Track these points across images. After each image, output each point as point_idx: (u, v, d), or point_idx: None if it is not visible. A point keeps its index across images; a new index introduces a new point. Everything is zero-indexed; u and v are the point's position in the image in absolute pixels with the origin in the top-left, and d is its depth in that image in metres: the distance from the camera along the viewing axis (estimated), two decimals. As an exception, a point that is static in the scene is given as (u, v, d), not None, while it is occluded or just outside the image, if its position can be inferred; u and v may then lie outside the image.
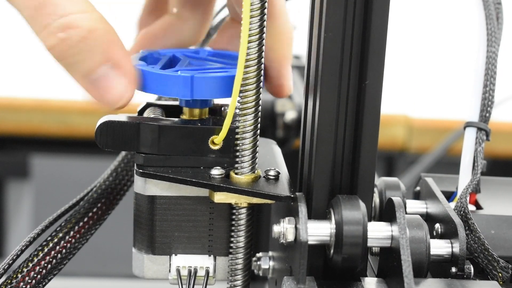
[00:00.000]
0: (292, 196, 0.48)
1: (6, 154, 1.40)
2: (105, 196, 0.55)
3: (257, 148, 0.50)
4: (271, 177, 0.51)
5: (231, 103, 0.48)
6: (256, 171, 0.51)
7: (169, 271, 0.53)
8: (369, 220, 0.47)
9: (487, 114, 0.53)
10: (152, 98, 0.58)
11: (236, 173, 0.50)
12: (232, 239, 0.52)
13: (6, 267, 0.51)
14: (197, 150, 0.51)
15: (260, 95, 0.50)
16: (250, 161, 0.50)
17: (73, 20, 0.46)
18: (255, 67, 0.49)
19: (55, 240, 0.52)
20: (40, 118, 1.32)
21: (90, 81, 0.48)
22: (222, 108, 0.54)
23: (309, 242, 0.46)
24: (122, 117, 0.51)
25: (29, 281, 0.51)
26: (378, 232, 0.46)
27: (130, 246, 0.54)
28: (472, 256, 0.48)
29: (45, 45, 0.47)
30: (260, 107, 0.50)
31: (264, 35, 0.48)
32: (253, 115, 0.50)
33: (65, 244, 0.52)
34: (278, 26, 0.54)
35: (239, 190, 0.49)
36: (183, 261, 0.52)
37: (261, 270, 0.55)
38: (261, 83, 0.49)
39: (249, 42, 0.48)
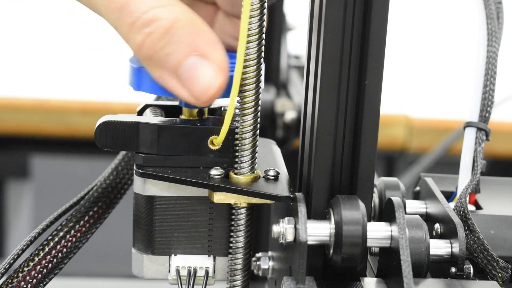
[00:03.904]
0: (291, 196, 0.48)
1: (6, 154, 1.40)
2: (105, 195, 0.55)
3: (257, 148, 0.50)
4: (271, 177, 0.50)
5: (230, 103, 0.48)
6: (255, 171, 0.50)
7: (169, 271, 0.52)
8: (369, 220, 0.47)
9: (487, 114, 0.53)
10: (151, 98, 0.58)
11: (235, 173, 0.50)
12: (231, 239, 0.52)
13: (7, 266, 0.51)
14: (197, 150, 0.50)
15: (260, 95, 0.50)
16: (250, 161, 0.50)
17: (156, 14, 0.47)
18: (255, 67, 0.48)
19: (56, 239, 0.52)
20: (40, 118, 1.32)
21: (178, 75, 0.48)
22: (222, 108, 0.54)
23: (309, 242, 0.46)
24: (121, 117, 0.51)
25: (30, 280, 0.51)
26: (378, 232, 0.46)
27: (130, 246, 0.54)
28: (472, 256, 0.48)
29: (134, 45, 0.47)
30: (259, 107, 0.50)
31: (263, 34, 0.48)
32: (252, 115, 0.49)
33: (66, 243, 0.52)
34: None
35: (238, 190, 0.49)
36: (182, 261, 0.52)
37: (261, 270, 0.55)
38: (261, 83, 0.49)
39: (249, 42, 0.48)
